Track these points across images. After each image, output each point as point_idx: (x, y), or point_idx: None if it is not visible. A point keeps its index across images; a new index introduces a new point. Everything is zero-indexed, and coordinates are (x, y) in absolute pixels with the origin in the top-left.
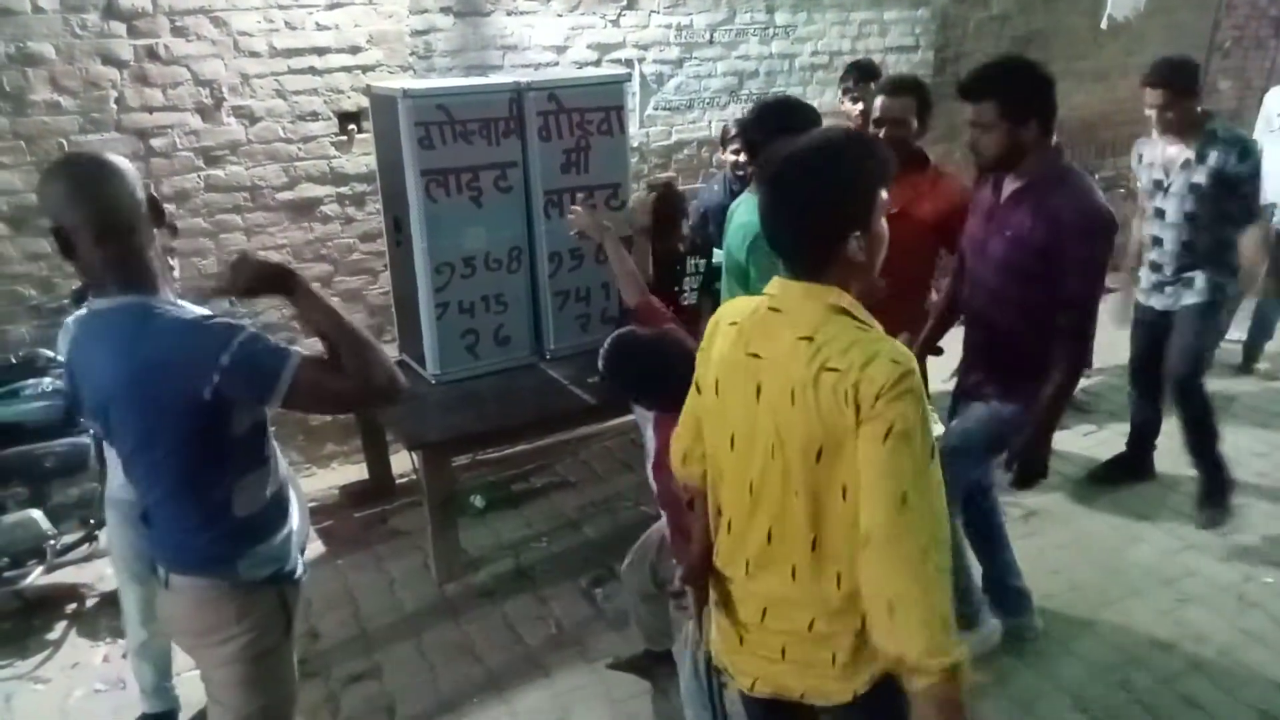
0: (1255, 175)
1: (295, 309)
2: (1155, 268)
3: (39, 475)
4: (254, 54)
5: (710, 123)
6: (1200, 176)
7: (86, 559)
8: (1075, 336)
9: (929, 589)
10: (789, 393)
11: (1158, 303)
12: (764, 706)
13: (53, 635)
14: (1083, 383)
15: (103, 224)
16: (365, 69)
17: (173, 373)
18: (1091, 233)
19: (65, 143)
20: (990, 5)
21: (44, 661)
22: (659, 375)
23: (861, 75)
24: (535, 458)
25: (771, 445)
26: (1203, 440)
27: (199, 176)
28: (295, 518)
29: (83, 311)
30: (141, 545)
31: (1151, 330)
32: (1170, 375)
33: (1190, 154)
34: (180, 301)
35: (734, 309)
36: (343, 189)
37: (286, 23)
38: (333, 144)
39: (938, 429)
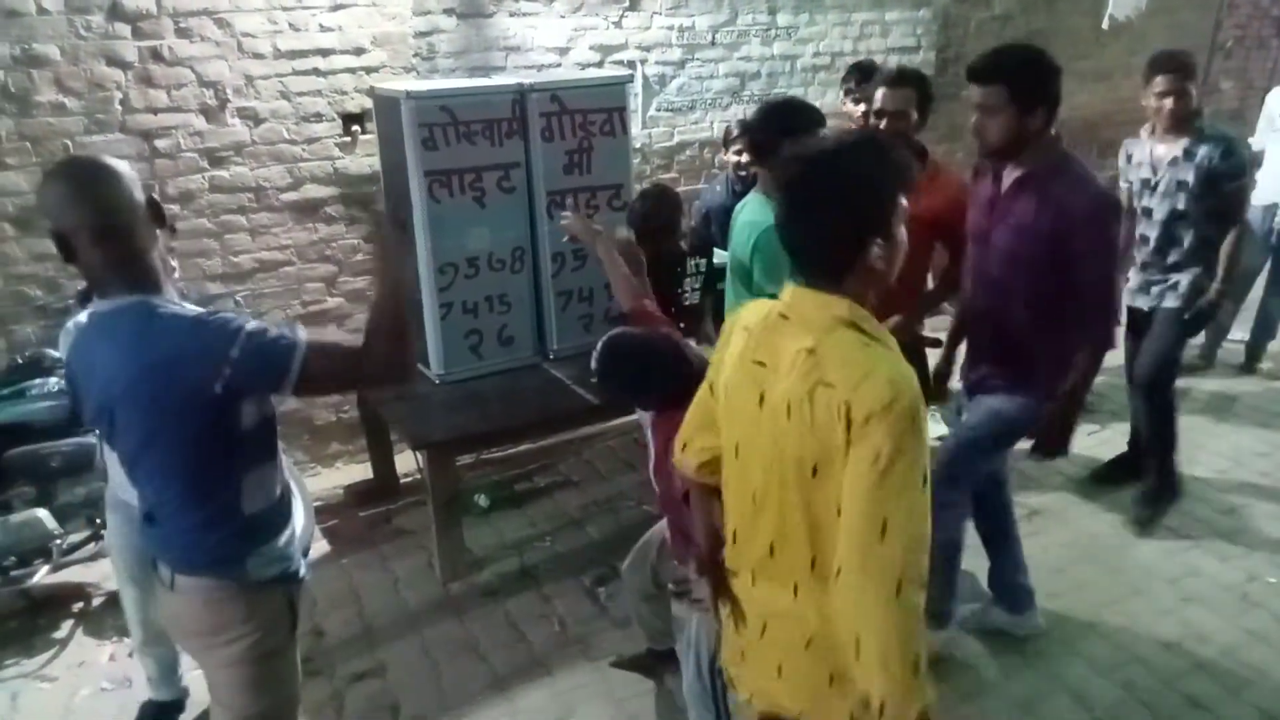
0: (1241, 174)
1: (381, 261)
2: (1143, 267)
3: (45, 475)
4: (258, 55)
5: (712, 124)
6: (1188, 174)
7: (92, 558)
8: (1098, 315)
9: (899, 627)
10: (786, 405)
11: (1143, 303)
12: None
13: (59, 634)
14: None
15: (101, 226)
16: (369, 70)
17: (182, 369)
18: (1099, 215)
19: (70, 144)
20: (992, 5)
21: (50, 660)
22: (651, 375)
23: (863, 76)
24: (539, 457)
25: (771, 457)
26: (1162, 445)
27: (203, 177)
28: (300, 518)
29: (82, 317)
30: (143, 547)
31: (1142, 330)
32: (1138, 378)
33: (1178, 151)
34: (182, 301)
35: (751, 312)
36: (346, 189)
37: (290, 24)
38: (337, 145)
39: (940, 429)
